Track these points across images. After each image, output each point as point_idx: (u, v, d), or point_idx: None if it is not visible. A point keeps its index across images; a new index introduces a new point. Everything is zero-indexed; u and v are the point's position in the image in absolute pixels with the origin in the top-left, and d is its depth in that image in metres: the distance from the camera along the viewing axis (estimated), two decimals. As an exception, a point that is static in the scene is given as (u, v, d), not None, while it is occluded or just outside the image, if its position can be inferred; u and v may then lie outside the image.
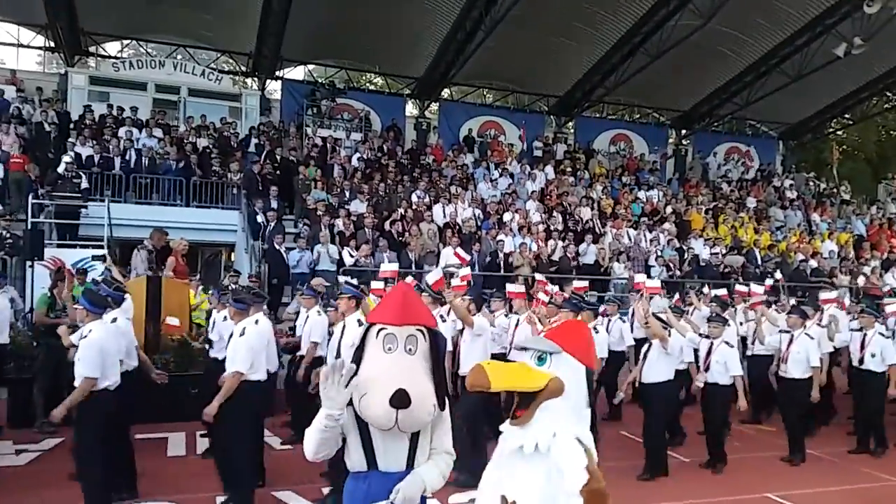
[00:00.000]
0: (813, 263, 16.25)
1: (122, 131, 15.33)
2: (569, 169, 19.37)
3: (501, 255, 13.71)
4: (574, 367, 2.52)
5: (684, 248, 15.89)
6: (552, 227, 15.46)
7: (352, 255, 12.51)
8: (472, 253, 13.50)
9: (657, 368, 6.93)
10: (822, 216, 19.84)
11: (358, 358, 2.76)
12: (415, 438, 2.71)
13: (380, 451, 2.70)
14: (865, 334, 8.21)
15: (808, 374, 7.72)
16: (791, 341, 7.89)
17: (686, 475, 7.11)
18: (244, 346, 5.44)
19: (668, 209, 17.84)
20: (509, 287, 8.96)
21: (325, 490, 5.90)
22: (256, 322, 5.74)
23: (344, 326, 6.14)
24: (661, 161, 22.41)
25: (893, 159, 32.29)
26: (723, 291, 10.72)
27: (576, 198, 17.39)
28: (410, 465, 2.71)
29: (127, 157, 14.30)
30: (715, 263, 15.25)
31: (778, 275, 13.64)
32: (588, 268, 14.35)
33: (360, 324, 5.89)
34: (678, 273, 14.90)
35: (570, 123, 23.68)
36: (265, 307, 6.65)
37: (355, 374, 2.68)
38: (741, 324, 9.77)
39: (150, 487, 5.96)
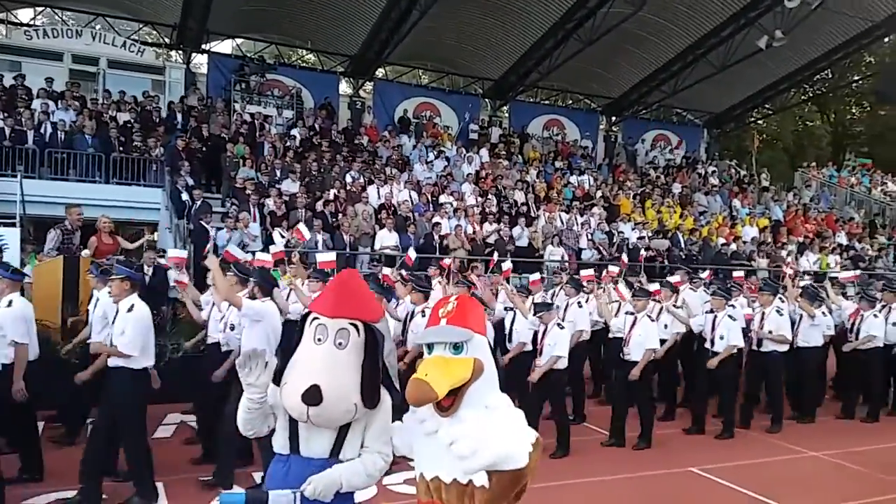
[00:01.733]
0: (733, 247, 16.91)
1: (35, 103, 14.45)
2: (503, 152, 19.48)
3: (437, 237, 13.66)
4: (483, 344, 2.60)
5: (613, 231, 16.25)
6: (487, 210, 15.52)
7: (282, 236, 12.20)
8: (408, 235, 13.43)
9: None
10: (743, 202, 20.65)
11: (295, 343, 2.73)
12: (342, 432, 2.65)
13: (303, 437, 2.66)
14: (716, 316, 8.24)
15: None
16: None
17: (606, 453, 7.31)
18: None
19: (599, 194, 18.20)
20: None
21: (258, 476, 5.78)
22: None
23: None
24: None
25: (809, 148, 34.07)
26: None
27: (510, 181, 17.51)
28: (336, 453, 2.65)
29: (42, 131, 13.49)
30: (642, 247, 15.65)
31: None
32: (521, 250, 14.47)
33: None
34: (607, 256, 15.23)
35: (505, 107, 23.82)
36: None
37: (289, 358, 2.68)
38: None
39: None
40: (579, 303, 9.02)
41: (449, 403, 2.45)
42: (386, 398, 2.72)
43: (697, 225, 17.97)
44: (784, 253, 17.28)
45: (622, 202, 18.03)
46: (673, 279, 10.07)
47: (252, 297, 5.95)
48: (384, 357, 2.73)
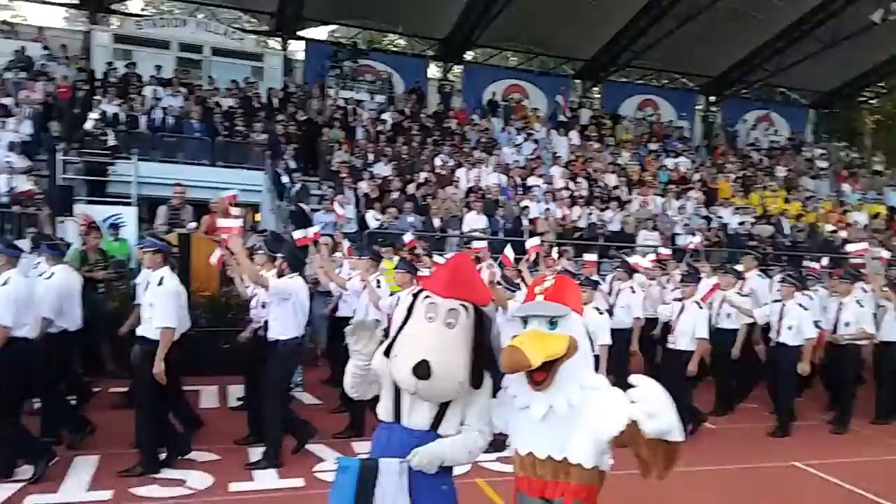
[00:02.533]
0: (843, 234, 15.95)
1: (146, 90, 15.28)
2: (594, 135, 19.07)
3: (526, 221, 13.58)
4: (579, 321, 2.64)
5: (711, 216, 15.66)
6: (577, 194, 15.28)
7: (376, 219, 12.47)
8: (496, 218, 13.42)
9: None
10: (854, 187, 19.43)
11: (406, 317, 2.84)
12: (443, 407, 2.73)
13: (405, 408, 2.76)
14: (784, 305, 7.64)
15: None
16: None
17: (714, 442, 7.08)
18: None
19: (696, 177, 17.55)
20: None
21: (357, 446, 5.98)
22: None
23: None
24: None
25: (927, 130, 31.50)
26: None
27: (602, 164, 17.15)
28: (436, 426, 2.74)
29: (153, 116, 14.27)
30: (743, 233, 15.00)
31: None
32: (614, 235, 14.19)
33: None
34: (704, 241, 14.71)
35: (596, 88, 23.27)
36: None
37: (398, 332, 2.80)
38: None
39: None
40: (632, 288, 8.48)
41: (542, 378, 2.48)
42: (488, 379, 2.78)
43: (803, 210, 17.06)
44: (898, 241, 16.16)
45: (721, 186, 17.33)
46: (740, 266, 9.32)
47: (280, 273, 5.96)
48: (491, 339, 2.80)
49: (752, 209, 16.36)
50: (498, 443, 2.84)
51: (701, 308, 7.05)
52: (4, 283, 5.14)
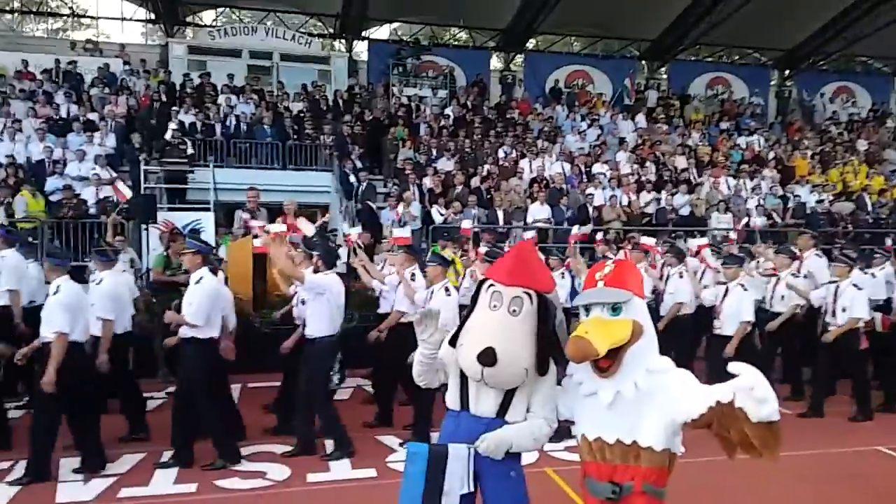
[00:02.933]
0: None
1: (221, 98, 15.98)
2: (662, 116, 18.64)
3: (591, 208, 13.49)
4: (642, 306, 2.62)
5: (788, 195, 15.10)
6: (644, 178, 15.03)
7: (441, 214, 12.67)
8: (560, 207, 13.39)
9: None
10: (945, 157, 18.28)
11: (471, 307, 2.93)
12: (509, 394, 2.80)
13: (472, 396, 2.85)
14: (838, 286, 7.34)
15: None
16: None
17: (798, 427, 6.92)
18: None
19: (771, 155, 16.92)
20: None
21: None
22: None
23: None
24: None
25: None
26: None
27: (670, 147, 16.78)
28: (502, 413, 2.81)
29: (227, 124, 14.92)
30: (821, 211, 14.41)
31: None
32: (683, 219, 13.90)
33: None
34: (780, 222, 14.23)
35: (663, 69, 22.70)
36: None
37: (464, 322, 2.89)
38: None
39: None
40: (681, 273, 8.22)
41: (608, 365, 2.50)
42: (553, 367, 2.84)
43: (888, 185, 16.21)
44: None
45: (798, 163, 16.66)
46: (796, 246, 8.98)
47: (316, 270, 5.99)
48: (556, 326, 2.87)
49: (832, 186, 15.67)
50: (563, 430, 2.90)
51: (746, 290, 6.95)
52: (56, 292, 5.34)
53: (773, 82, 23.11)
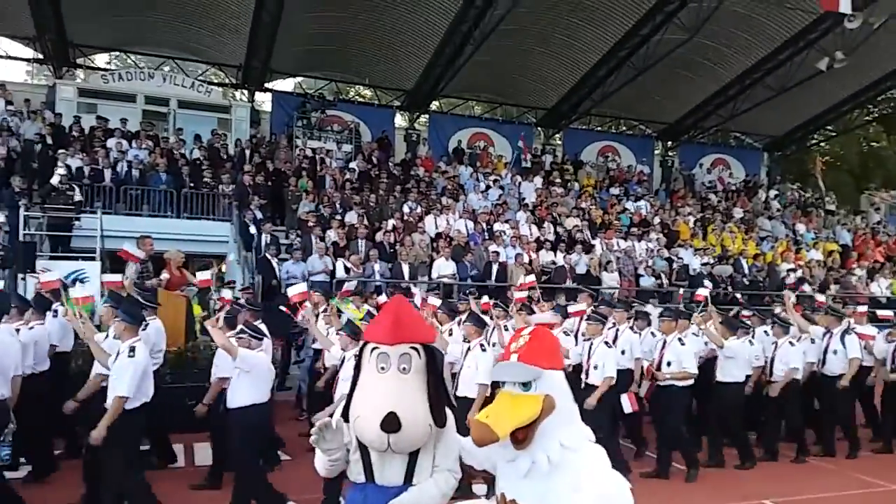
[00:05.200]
0: (799, 273, 16.45)
1: (111, 143, 15.27)
2: (558, 180, 19.52)
3: (495, 266, 13.73)
4: (557, 379, 2.56)
5: (673, 257, 16.03)
6: (543, 238, 15.56)
7: (345, 267, 12.52)
8: (465, 263, 13.59)
9: None
10: (808, 226, 20.10)
11: (355, 376, 2.81)
12: (413, 456, 2.72)
13: (377, 467, 2.73)
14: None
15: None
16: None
17: (683, 483, 7.17)
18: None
19: (657, 219, 18.00)
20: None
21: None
22: None
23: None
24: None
25: (875, 170, 32.84)
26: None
27: (566, 209, 17.51)
28: (409, 479, 2.72)
29: (118, 169, 14.24)
30: (705, 273, 15.38)
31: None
32: (581, 278, 14.42)
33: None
34: (666, 283, 15.04)
35: (558, 135, 23.90)
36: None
37: (352, 392, 2.77)
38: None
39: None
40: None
41: (523, 437, 2.47)
42: (450, 416, 2.79)
43: (761, 250, 17.58)
44: (854, 279, 16.72)
45: (681, 227, 17.80)
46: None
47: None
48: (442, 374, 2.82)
49: (712, 249, 16.81)
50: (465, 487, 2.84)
51: (609, 347, 7.20)
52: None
53: (657, 152, 24.82)
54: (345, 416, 2.73)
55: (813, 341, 8.65)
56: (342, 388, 5.75)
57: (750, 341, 8.22)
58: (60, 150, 14.02)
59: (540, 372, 2.51)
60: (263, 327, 6.58)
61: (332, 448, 2.70)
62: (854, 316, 9.58)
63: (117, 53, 21.57)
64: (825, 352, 8.56)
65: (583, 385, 7.03)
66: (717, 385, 7.77)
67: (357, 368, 2.80)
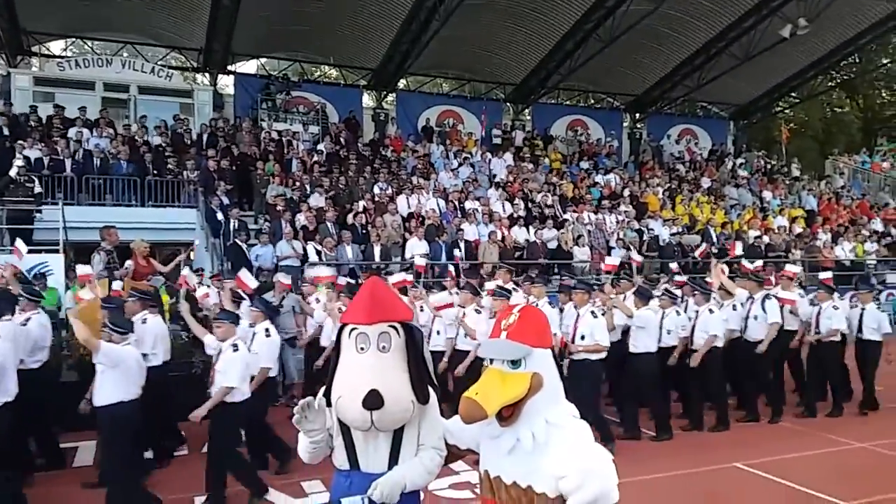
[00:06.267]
0: (766, 239, 16.71)
1: (71, 132, 14.88)
2: (528, 155, 19.51)
3: (462, 243, 13.73)
4: (545, 357, 2.57)
5: (643, 228, 16.16)
6: (515, 215, 15.57)
7: (317, 251, 12.42)
8: (439, 243, 13.55)
9: None
10: (774, 193, 20.39)
11: (335, 359, 2.79)
12: (398, 436, 2.72)
13: (361, 452, 2.73)
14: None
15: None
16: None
17: (654, 449, 7.32)
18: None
19: (626, 192, 18.11)
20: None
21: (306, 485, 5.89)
22: None
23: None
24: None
25: (839, 135, 33.45)
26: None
27: (536, 184, 17.53)
28: (394, 462, 2.71)
29: (78, 159, 13.89)
30: (674, 243, 15.54)
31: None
32: (552, 253, 14.50)
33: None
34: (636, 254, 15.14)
35: (528, 110, 23.85)
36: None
37: (333, 374, 2.75)
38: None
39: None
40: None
41: (508, 414, 2.49)
42: (432, 393, 2.79)
43: (728, 218, 17.80)
44: (819, 243, 17.03)
45: (650, 199, 17.93)
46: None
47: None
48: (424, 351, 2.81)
49: (680, 219, 16.99)
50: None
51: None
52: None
53: (625, 124, 24.92)
54: (326, 398, 2.72)
55: (735, 308, 8.62)
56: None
57: (677, 311, 8.22)
58: (18, 141, 13.64)
59: (529, 350, 2.52)
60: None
61: (314, 429, 2.70)
62: (780, 280, 9.51)
63: (73, 40, 20.96)
64: (746, 318, 8.53)
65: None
66: (630, 356, 7.76)
67: (336, 350, 2.80)
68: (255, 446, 6.46)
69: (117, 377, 5.28)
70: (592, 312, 7.27)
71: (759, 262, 11.01)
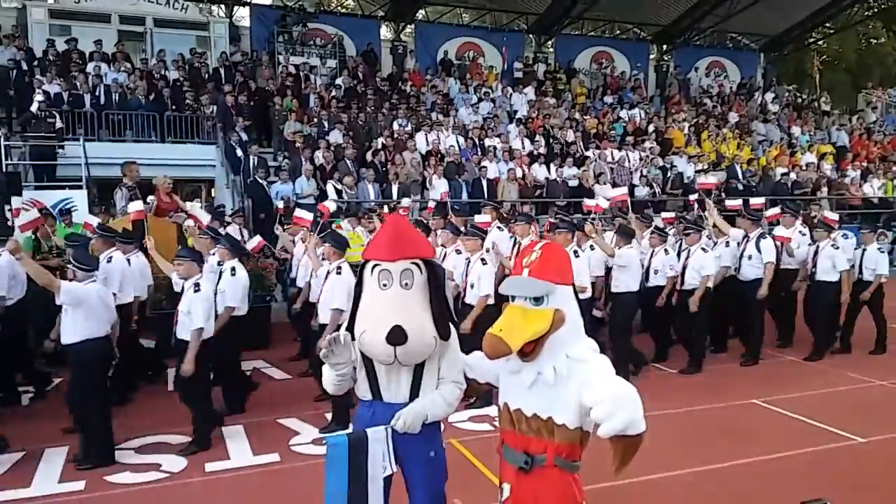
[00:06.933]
0: (793, 176, 16.36)
1: (89, 67, 14.75)
2: (550, 90, 19.05)
3: (484, 181, 13.60)
4: (566, 293, 2.61)
5: (667, 165, 15.87)
6: (536, 152, 15.33)
7: (336, 189, 12.38)
8: (458, 181, 13.44)
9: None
10: (803, 129, 19.83)
11: (357, 294, 2.86)
12: (419, 370, 2.79)
13: (383, 384, 2.82)
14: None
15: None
16: None
17: (671, 384, 7.39)
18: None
19: (651, 127, 17.71)
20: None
21: (328, 416, 6.03)
22: None
23: None
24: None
25: (873, 68, 32.14)
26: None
27: (559, 120, 17.18)
28: (415, 395, 2.80)
29: (97, 94, 13.82)
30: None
31: None
32: (573, 191, 14.31)
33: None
34: (660, 192, 14.96)
35: (550, 42, 23.15)
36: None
37: (355, 309, 2.83)
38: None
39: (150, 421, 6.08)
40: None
41: (530, 349, 2.53)
42: (453, 329, 2.86)
43: (755, 155, 17.40)
44: (847, 180, 16.65)
45: (674, 135, 17.54)
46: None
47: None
48: (445, 287, 2.86)
49: (706, 156, 16.63)
50: (485, 395, 2.89)
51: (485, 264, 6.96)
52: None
53: (652, 56, 24.14)
54: (350, 332, 2.79)
55: (728, 245, 8.51)
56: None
57: (666, 250, 8.09)
58: (37, 77, 13.57)
59: (552, 287, 2.55)
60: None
61: (340, 362, 2.77)
62: (780, 217, 9.29)
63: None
64: (741, 257, 8.37)
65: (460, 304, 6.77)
66: (612, 295, 7.71)
67: (359, 286, 2.86)
68: (228, 388, 6.47)
69: (80, 316, 5.18)
70: (575, 252, 7.14)
71: (759, 200, 10.50)
